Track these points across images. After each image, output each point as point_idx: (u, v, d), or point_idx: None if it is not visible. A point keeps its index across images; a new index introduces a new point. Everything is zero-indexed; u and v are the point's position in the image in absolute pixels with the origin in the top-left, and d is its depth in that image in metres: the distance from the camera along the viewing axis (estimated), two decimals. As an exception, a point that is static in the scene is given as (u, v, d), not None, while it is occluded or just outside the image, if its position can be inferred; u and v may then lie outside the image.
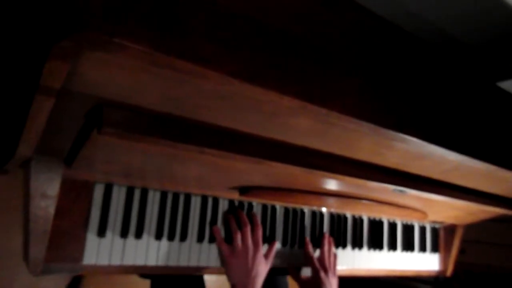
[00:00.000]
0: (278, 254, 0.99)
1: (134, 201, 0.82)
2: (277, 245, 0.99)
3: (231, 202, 0.94)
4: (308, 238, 1.04)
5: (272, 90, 0.49)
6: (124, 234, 0.80)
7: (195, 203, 0.90)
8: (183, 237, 0.87)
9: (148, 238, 0.83)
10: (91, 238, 0.77)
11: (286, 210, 1.03)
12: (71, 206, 0.75)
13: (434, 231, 1.37)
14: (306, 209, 1.07)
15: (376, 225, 1.21)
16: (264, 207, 0.99)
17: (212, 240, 0.91)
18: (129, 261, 0.80)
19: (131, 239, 0.81)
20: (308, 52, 0.56)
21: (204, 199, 0.91)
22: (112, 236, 0.79)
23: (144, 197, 0.83)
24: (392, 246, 1.24)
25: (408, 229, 1.29)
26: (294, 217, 1.04)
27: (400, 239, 1.27)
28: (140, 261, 0.81)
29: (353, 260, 1.15)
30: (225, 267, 0.88)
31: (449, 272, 1.39)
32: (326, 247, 1.05)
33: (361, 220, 1.18)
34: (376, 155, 0.75)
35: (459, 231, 1.38)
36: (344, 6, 0.64)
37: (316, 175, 0.74)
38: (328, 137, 0.66)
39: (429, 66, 0.77)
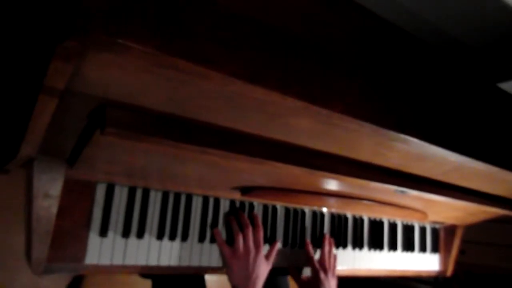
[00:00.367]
0: (279, 254, 0.99)
1: (136, 201, 0.82)
2: (278, 245, 0.99)
3: (232, 202, 0.94)
4: (308, 239, 1.05)
5: (274, 91, 0.50)
6: (126, 234, 0.80)
7: (197, 203, 0.90)
8: (185, 237, 0.87)
9: (149, 238, 0.83)
10: (93, 238, 0.77)
11: (287, 210, 1.03)
12: (73, 206, 0.75)
13: (434, 232, 1.37)
14: (307, 209, 1.07)
15: (376, 225, 1.21)
16: (265, 207, 1.00)
17: (213, 240, 0.91)
18: (130, 261, 0.80)
19: (132, 239, 0.81)
20: (309, 53, 0.56)
21: (206, 199, 0.91)
22: (114, 236, 0.79)
23: (146, 197, 0.83)
24: (393, 246, 1.24)
25: (408, 230, 1.29)
26: (295, 217, 1.05)
27: (401, 240, 1.27)
28: (141, 261, 0.82)
29: (354, 260, 1.15)
30: (226, 268, 0.88)
31: (449, 273, 1.39)
32: (326, 248, 1.05)
33: (362, 220, 1.18)
34: (377, 156, 0.75)
35: (459, 232, 1.38)
36: (345, 6, 0.64)
37: (317, 175, 0.75)
38: (330, 137, 0.66)
39: (430, 67, 0.77)
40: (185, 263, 0.87)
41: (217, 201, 0.92)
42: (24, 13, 0.80)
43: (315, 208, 1.08)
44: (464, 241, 1.41)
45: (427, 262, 1.35)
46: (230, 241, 0.90)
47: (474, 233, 1.72)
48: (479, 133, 0.80)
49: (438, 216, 1.24)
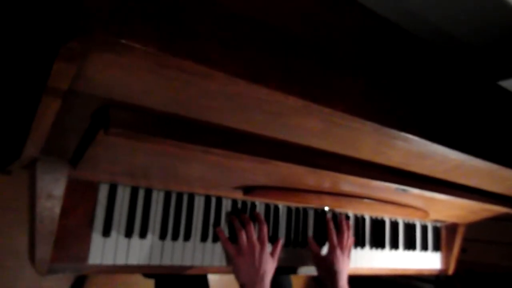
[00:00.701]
0: (281, 253, 1.00)
1: (138, 201, 0.82)
2: (280, 245, 0.99)
3: (234, 201, 0.95)
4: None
5: (277, 90, 0.50)
6: (128, 234, 0.80)
7: (199, 202, 0.90)
8: (187, 237, 0.87)
9: (152, 238, 0.83)
10: (96, 238, 0.77)
11: (289, 209, 1.03)
12: (76, 206, 0.75)
13: (436, 230, 1.37)
14: (309, 208, 1.07)
15: (378, 224, 1.21)
16: (267, 207, 1.00)
17: (215, 239, 0.91)
18: (133, 260, 0.81)
19: (135, 238, 0.81)
20: (310, 52, 0.56)
21: (208, 198, 0.91)
22: (116, 236, 0.79)
23: (148, 197, 0.84)
24: (394, 245, 1.24)
25: (410, 228, 1.29)
26: (296, 216, 1.05)
27: (402, 238, 1.27)
28: (144, 261, 0.82)
29: (355, 259, 1.15)
30: (232, 267, 0.88)
31: (450, 271, 1.39)
32: (345, 228, 1.06)
33: (363, 219, 1.18)
34: (379, 155, 0.75)
35: (461, 230, 1.38)
36: (345, 6, 0.64)
37: (320, 174, 0.75)
38: (332, 136, 0.67)
39: (431, 65, 0.77)
40: (187, 262, 0.87)
41: (219, 201, 0.93)
42: (27, 15, 0.80)
43: (317, 207, 1.08)
44: (465, 240, 1.41)
45: (428, 261, 1.35)
46: (233, 240, 0.91)
47: (475, 231, 1.71)
48: (480, 131, 0.80)
49: (439, 215, 1.24)
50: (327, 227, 1.05)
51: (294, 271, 1.06)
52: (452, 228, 1.39)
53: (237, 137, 0.62)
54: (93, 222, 0.77)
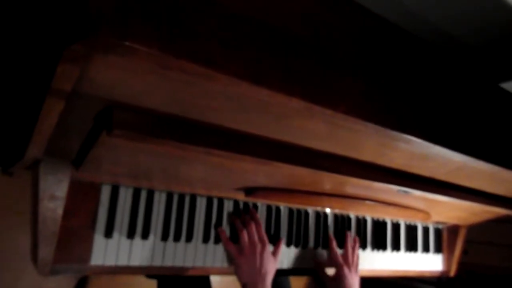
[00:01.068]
0: (282, 255, 1.00)
1: (140, 202, 0.82)
2: (282, 245, 0.99)
3: (236, 203, 0.95)
4: (312, 240, 1.05)
5: (279, 92, 0.50)
6: (130, 235, 0.80)
7: (201, 204, 0.90)
8: (189, 238, 0.87)
9: (154, 239, 0.83)
10: (98, 239, 0.77)
11: (291, 210, 1.04)
12: (78, 207, 0.75)
13: (437, 232, 1.37)
14: (310, 210, 1.07)
15: (379, 225, 1.21)
16: (269, 208, 1.00)
17: (217, 240, 0.91)
18: (135, 261, 0.81)
19: (137, 240, 0.81)
20: (310, 53, 0.56)
21: (210, 200, 0.91)
22: (119, 237, 0.79)
23: (150, 198, 0.84)
24: (396, 247, 1.24)
25: (411, 230, 1.29)
26: (298, 217, 1.05)
27: (404, 240, 1.27)
28: (146, 262, 0.82)
29: (357, 261, 1.15)
30: (234, 267, 0.89)
31: (452, 273, 1.39)
32: (349, 245, 1.07)
33: (365, 221, 1.18)
34: (380, 156, 0.75)
35: (462, 232, 1.38)
36: (345, 6, 0.65)
37: (321, 176, 0.75)
38: (333, 138, 0.67)
39: (433, 67, 0.77)
40: (189, 263, 0.87)
41: (221, 202, 0.93)
42: (31, 17, 0.81)
43: (319, 208, 1.08)
44: (467, 241, 1.41)
45: (430, 262, 1.35)
46: (235, 240, 0.91)
47: (477, 233, 1.71)
48: (482, 133, 0.80)
49: (441, 216, 1.24)
50: (329, 247, 1.05)
51: (294, 272, 1.06)
52: (453, 229, 1.39)
53: (239, 139, 0.63)
54: (95, 223, 0.77)
